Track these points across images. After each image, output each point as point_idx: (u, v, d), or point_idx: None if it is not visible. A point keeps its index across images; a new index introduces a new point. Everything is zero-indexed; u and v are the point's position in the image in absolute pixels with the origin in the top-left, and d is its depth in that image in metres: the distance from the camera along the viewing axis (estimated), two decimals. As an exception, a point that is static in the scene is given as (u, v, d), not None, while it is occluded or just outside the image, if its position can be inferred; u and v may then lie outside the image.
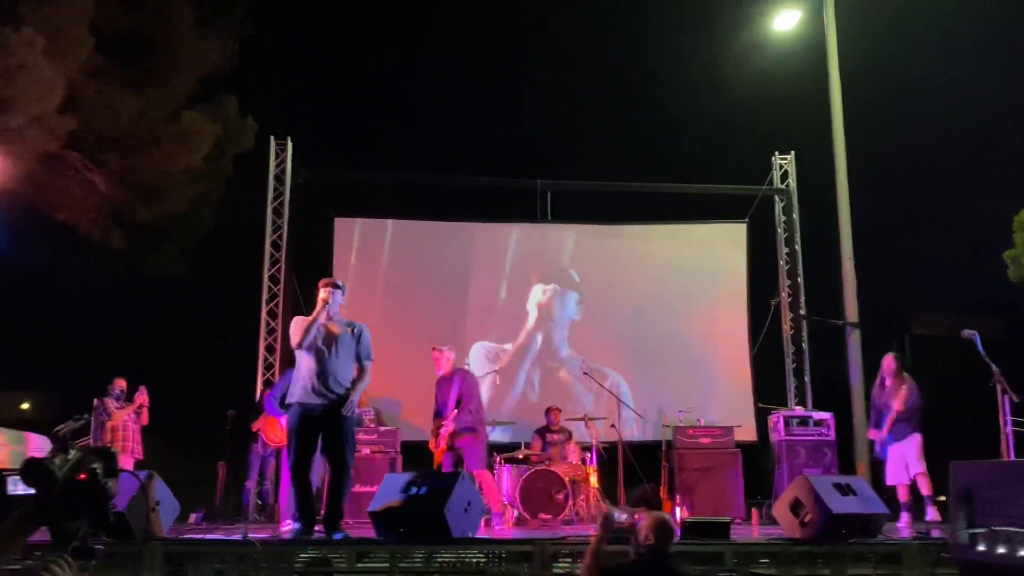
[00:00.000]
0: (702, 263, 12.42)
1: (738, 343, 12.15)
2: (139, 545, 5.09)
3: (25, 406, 20.10)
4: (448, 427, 8.28)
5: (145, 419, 9.48)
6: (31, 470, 1.93)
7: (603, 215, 12.95)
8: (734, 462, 9.73)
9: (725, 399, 11.80)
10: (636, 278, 12.36)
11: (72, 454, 1.98)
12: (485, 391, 11.55)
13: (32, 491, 1.97)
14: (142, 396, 9.45)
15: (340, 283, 6.66)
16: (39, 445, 10.80)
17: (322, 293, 6.49)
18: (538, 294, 12.25)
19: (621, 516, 4.34)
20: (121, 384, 9.42)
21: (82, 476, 1.95)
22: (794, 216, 12.51)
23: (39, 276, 15.18)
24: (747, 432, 11.43)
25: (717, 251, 12.50)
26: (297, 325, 6.53)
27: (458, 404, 8.32)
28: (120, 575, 5.04)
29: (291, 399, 6.41)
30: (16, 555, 1.95)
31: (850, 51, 11.79)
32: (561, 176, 12.78)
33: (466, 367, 9.90)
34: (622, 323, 12.17)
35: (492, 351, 12.00)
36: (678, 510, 8.30)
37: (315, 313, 6.46)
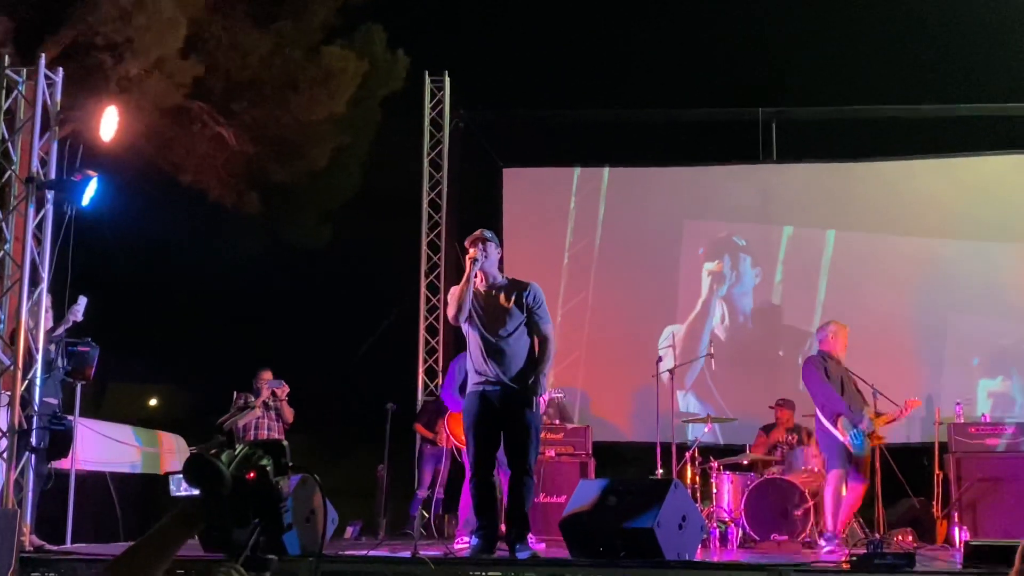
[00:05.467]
0: (992, 208, 11.79)
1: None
2: (314, 559, 5.43)
3: (153, 402, 21.64)
4: None
5: (289, 418, 9.95)
6: (197, 467, 2.07)
7: (846, 150, 12.55)
8: (1033, 470, 9.27)
9: (1020, 386, 11.27)
10: (893, 231, 11.91)
11: (239, 448, 2.12)
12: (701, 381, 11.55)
13: (196, 492, 2.13)
14: (282, 391, 9.82)
15: (489, 234, 6.67)
16: (173, 445, 11.68)
17: (470, 251, 6.55)
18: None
19: None
20: (267, 377, 9.91)
21: (251, 475, 2.09)
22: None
23: (164, 250, 16.27)
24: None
25: (1009, 191, 11.85)
26: (451, 295, 6.67)
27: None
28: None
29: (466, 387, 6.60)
30: (168, 563, 2.09)
31: None
32: (790, 103, 12.48)
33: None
34: (872, 289, 11.78)
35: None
36: (956, 532, 8.01)
37: (466, 275, 6.55)
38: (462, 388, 7.75)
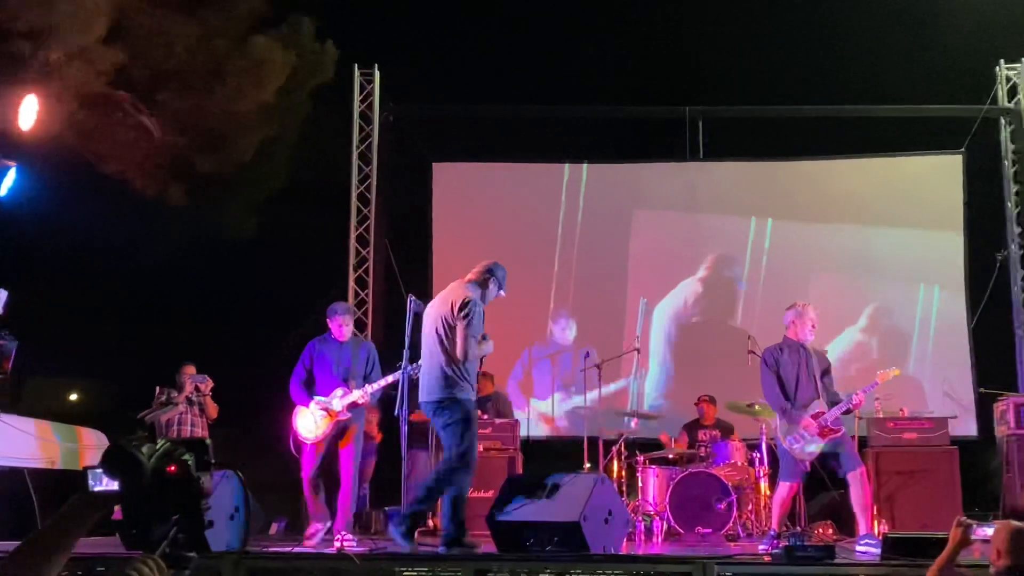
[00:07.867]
0: (904, 207, 12.12)
1: (952, 310, 11.85)
2: (238, 555, 5.38)
3: (74, 397, 21.21)
4: None
5: (213, 413, 9.84)
6: (116, 457, 2.04)
7: (771, 149, 12.73)
8: (948, 463, 9.50)
9: (936, 382, 11.60)
10: (816, 228, 12.13)
11: (160, 443, 2.09)
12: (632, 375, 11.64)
13: (115, 487, 2.09)
14: (205, 386, 9.70)
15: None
16: (93, 441, 11.46)
17: None
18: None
19: (984, 531, 4.28)
20: (190, 371, 9.81)
21: (172, 468, 2.06)
22: (1027, 144, 12.06)
23: (86, 242, 15.92)
24: (965, 424, 11.24)
25: (923, 191, 12.18)
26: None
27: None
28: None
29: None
30: (70, 551, 2.05)
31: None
32: (716, 101, 12.61)
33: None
34: (795, 284, 11.97)
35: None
36: (876, 524, 8.16)
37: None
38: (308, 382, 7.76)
